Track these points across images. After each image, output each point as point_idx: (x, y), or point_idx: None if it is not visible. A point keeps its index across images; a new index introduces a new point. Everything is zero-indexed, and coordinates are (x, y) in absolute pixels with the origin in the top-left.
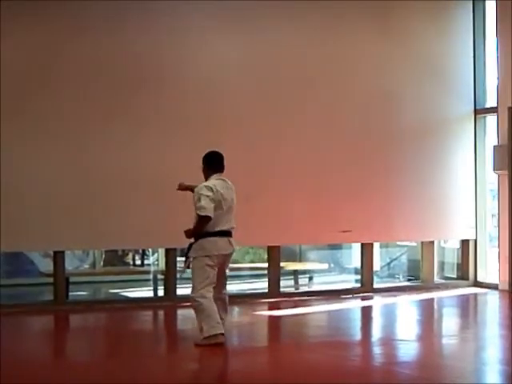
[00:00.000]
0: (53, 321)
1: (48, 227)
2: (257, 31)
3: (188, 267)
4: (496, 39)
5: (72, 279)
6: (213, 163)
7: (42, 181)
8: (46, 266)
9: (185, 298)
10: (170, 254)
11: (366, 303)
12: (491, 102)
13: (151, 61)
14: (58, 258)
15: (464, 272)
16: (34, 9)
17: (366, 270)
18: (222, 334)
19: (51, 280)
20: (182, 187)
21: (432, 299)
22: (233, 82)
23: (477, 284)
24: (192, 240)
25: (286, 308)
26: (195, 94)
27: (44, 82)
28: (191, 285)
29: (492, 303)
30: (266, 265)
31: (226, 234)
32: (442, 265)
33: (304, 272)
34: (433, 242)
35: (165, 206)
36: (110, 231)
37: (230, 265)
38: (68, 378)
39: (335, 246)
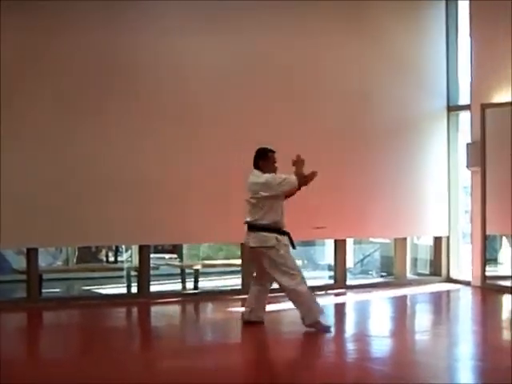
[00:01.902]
0: (26, 318)
1: (21, 224)
2: (232, 32)
3: None
4: (469, 38)
5: (45, 276)
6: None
7: (15, 178)
8: (19, 263)
9: (158, 294)
10: (144, 251)
11: (340, 299)
12: (464, 99)
13: (128, 60)
14: (32, 255)
15: (437, 268)
16: (17, 8)
17: (339, 266)
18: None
19: (24, 277)
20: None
21: (405, 295)
22: (208, 82)
23: (449, 280)
24: None
25: None
26: (172, 93)
27: (24, 80)
28: None
29: (464, 299)
30: (239, 261)
31: (248, 226)
32: (414, 261)
33: None
34: (406, 239)
35: (138, 202)
36: (84, 228)
37: (205, 261)
38: (41, 375)
39: (309, 243)
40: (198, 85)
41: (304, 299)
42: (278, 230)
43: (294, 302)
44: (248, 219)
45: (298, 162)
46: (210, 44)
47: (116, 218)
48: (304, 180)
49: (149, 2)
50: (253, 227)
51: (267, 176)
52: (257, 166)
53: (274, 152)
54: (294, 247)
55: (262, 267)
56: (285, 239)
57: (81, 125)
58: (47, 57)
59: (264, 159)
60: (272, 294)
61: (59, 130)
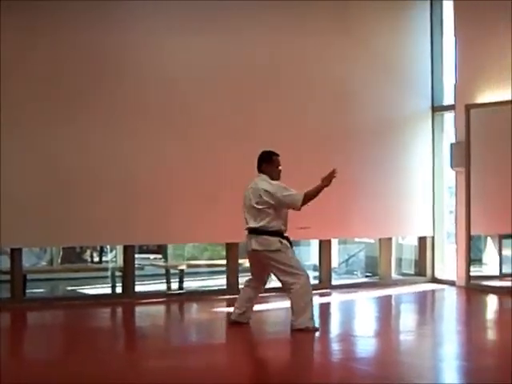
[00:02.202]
0: (9, 318)
1: (5, 224)
2: (219, 31)
3: None
4: (454, 38)
5: (29, 276)
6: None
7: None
8: (3, 262)
9: (143, 294)
10: (128, 251)
11: (325, 300)
12: (449, 99)
13: (115, 60)
14: (15, 255)
15: (421, 268)
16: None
17: (324, 266)
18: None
19: (8, 277)
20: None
21: (390, 295)
22: (196, 82)
23: (434, 280)
24: None
25: None
26: (160, 93)
27: (10, 81)
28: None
29: (449, 299)
30: (224, 261)
31: (249, 231)
32: (399, 261)
33: None
34: (391, 239)
35: (123, 202)
36: (68, 228)
37: (190, 262)
38: (25, 375)
39: (293, 243)
40: (187, 85)
41: (304, 304)
42: (280, 234)
43: (294, 304)
44: (252, 225)
45: (327, 179)
46: (197, 44)
47: (101, 218)
48: (307, 201)
49: (138, 2)
50: (255, 231)
51: (277, 185)
52: (260, 169)
53: (278, 155)
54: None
55: (262, 270)
56: (285, 242)
57: (66, 125)
58: (40, 57)
59: (268, 162)
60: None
61: (44, 131)
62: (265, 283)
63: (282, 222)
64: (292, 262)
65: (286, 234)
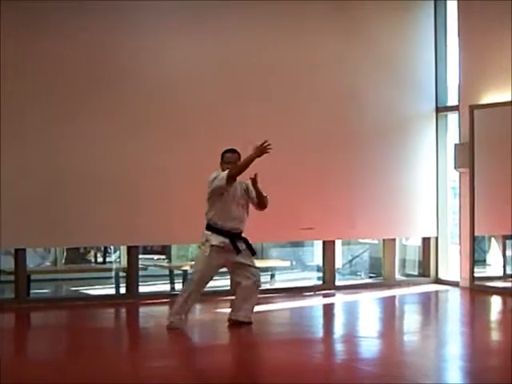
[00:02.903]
0: (14, 319)
1: (9, 224)
2: (217, 31)
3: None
4: (458, 38)
5: (33, 277)
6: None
7: (3, 178)
8: (7, 263)
9: (147, 295)
10: (132, 252)
11: (328, 300)
12: (452, 100)
13: (115, 60)
14: (19, 255)
15: (425, 269)
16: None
17: (328, 267)
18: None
19: (12, 278)
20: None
21: (393, 296)
22: (193, 82)
23: (438, 281)
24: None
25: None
26: (158, 92)
27: (10, 81)
28: (258, 270)
29: (453, 300)
30: None
31: None
32: (403, 262)
33: (266, 269)
34: (394, 240)
35: (127, 203)
36: (72, 229)
37: (194, 262)
38: (29, 376)
39: (297, 244)
40: (189, 86)
41: (181, 299)
42: (218, 230)
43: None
44: None
45: (259, 149)
46: (199, 45)
47: (104, 218)
48: (237, 172)
49: (135, 14)
50: None
51: (215, 174)
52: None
53: (230, 152)
54: (238, 252)
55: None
56: (218, 240)
57: (69, 126)
58: (34, 58)
59: (221, 158)
60: (262, 295)
61: (47, 130)
62: (239, 279)
63: (216, 214)
64: (194, 266)
65: (234, 233)
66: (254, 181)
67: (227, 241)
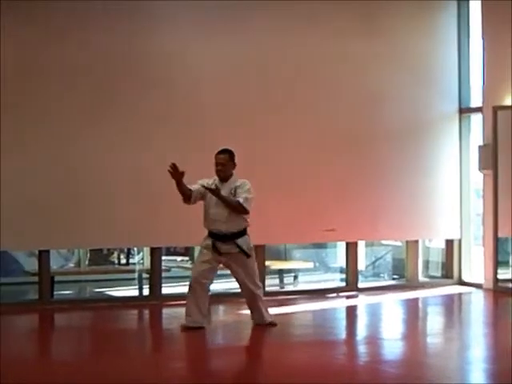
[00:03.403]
0: (38, 320)
1: (33, 226)
2: (242, 32)
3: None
4: (482, 39)
5: (57, 278)
6: None
7: (27, 180)
8: (31, 264)
9: (170, 296)
10: (155, 253)
11: (351, 302)
12: (476, 101)
13: (138, 62)
14: (43, 256)
15: (448, 271)
16: (20, 8)
17: (350, 268)
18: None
19: (36, 279)
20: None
21: (417, 298)
22: (217, 83)
23: (461, 283)
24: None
25: (271, 307)
26: (180, 95)
27: (29, 82)
28: (254, 276)
29: (476, 302)
30: None
31: None
32: (426, 264)
33: (289, 271)
34: (417, 241)
35: (150, 205)
36: (96, 230)
37: None
38: (54, 377)
39: (320, 245)
40: (209, 92)
41: (187, 300)
42: (208, 233)
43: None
44: None
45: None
46: (220, 52)
47: (127, 220)
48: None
49: (161, 15)
50: None
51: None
52: None
53: (222, 153)
54: (220, 254)
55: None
56: (205, 242)
57: (90, 127)
58: (55, 59)
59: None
60: (285, 297)
61: (76, 135)
62: (240, 282)
63: (204, 219)
64: (193, 266)
65: (217, 233)
66: (211, 189)
67: (210, 242)
